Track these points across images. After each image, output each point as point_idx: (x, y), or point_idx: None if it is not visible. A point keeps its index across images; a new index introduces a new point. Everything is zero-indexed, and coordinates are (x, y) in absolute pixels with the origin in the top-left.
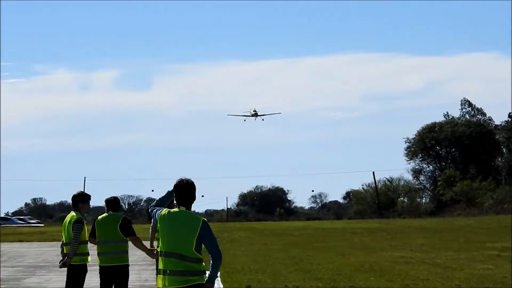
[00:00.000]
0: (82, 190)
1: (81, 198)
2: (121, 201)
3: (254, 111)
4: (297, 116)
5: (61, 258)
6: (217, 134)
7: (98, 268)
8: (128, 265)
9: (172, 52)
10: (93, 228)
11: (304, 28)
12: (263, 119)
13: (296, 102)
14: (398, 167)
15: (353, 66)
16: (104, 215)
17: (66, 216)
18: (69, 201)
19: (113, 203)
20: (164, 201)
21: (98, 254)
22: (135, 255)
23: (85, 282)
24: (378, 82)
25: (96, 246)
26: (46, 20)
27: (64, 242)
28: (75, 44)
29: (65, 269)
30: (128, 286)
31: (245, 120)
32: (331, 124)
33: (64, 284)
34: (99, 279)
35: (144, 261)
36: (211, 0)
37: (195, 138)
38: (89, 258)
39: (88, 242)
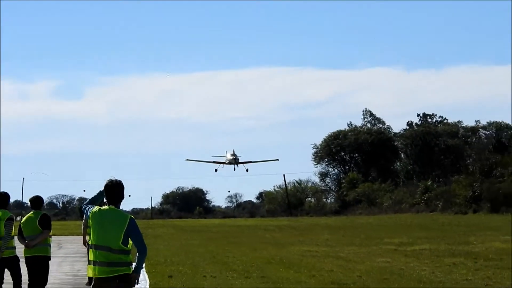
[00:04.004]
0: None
1: (8, 197)
2: (55, 200)
3: (233, 155)
4: (214, 124)
5: None
6: (142, 140)
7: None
8: (49, 257)
9: (102, 66)
10: (20, 227)
11: (223, 44)
12: (247, 170)
13: (213, 112)
14: (306, 171)
15: (266, 79)
16: (29, 213)
17: None
18: (11, 199)
19: (34, 201)
20: (96, 200)
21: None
22: (68, 248)
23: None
24: (288, 94)
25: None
26: None
27: None
28: (16, 57)
29: None
30: (48, 276)
31: (216, 170)
32: (245, 131)
33: None
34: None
35: (77, 254)
36: (138, 15)
37: (122, 143)
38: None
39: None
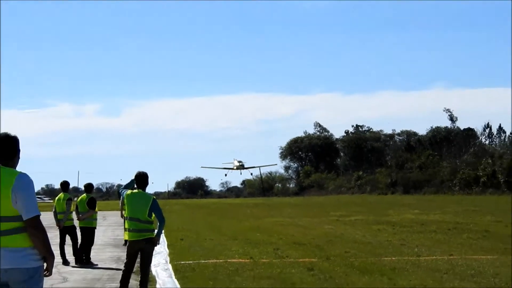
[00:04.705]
0: (66, 180)
1: (68, 184)
2: (101, 186)
3: (240, 162)
4: (209, 132)
5: (56, 222)
6: (161, 144)
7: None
8: (94, 228)
9: (133, 93)
10: (76, 205)
11: (216, 76)
12: (251, 173)
13: (209, 124)
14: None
15: (248, 101)
16: (82, 195)
17: (58, 195)
18: (70, 186)
19: (86, 187)
20: (129, 186)
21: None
22: (110, 219)
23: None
24: (263, 111)
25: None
26: (51, 65)
27: (57, 211)
28: (72, 88)
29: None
30: (95, 239)
31: (226, 175)
32: (232, 138)
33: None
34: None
35: (116, 224)
36: (158, 55)
37: (147, 147)
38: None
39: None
